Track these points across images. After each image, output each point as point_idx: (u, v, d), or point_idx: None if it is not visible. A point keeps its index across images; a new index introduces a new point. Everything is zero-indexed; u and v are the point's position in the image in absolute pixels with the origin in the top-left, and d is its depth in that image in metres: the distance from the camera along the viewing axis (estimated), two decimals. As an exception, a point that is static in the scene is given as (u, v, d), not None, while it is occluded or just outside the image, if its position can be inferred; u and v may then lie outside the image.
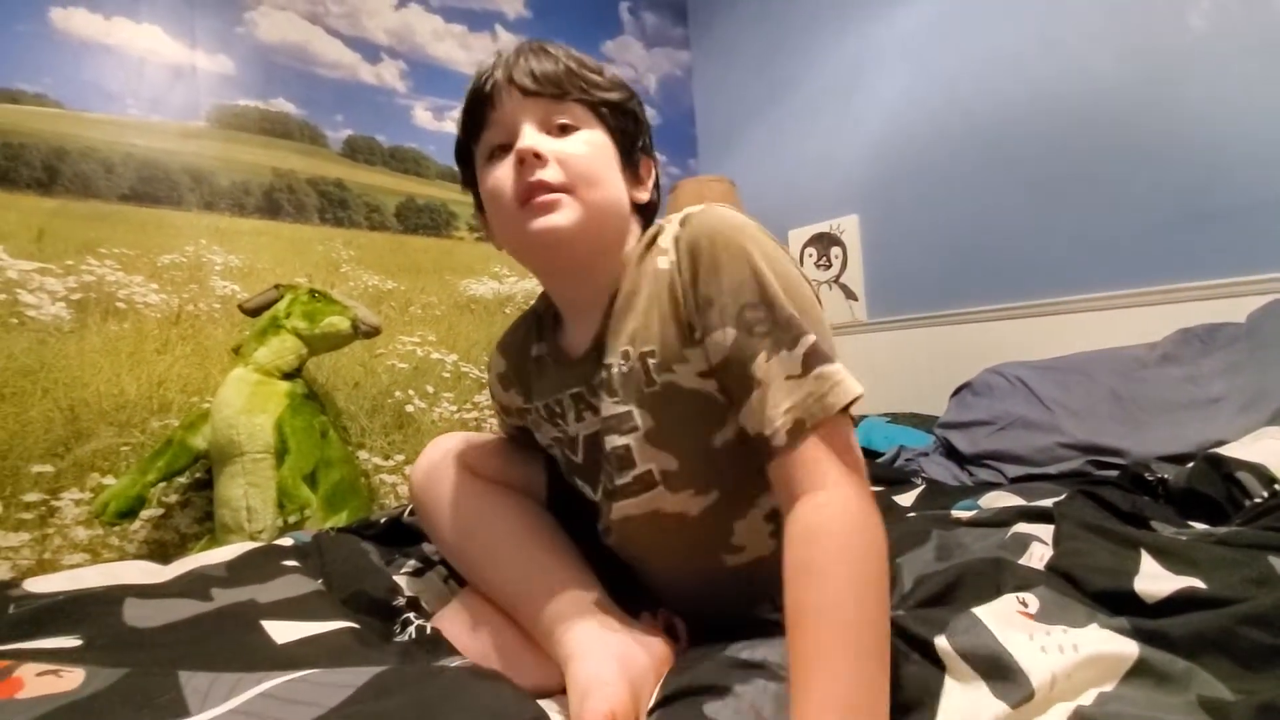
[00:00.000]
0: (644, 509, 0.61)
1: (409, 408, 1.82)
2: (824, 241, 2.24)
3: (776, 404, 0.50)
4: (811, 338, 0.51)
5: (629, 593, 0.66)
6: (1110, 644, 0.46)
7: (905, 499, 1.16)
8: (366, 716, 0.44)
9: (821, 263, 2.23)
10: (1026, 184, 1.77)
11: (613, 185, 0.61)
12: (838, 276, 2.20)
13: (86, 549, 1.34)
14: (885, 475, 1.34)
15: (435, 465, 0.73)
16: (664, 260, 0.58)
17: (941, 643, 0.47)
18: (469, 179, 0.67)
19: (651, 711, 0.49)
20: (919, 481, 1.30)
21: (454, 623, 0.67)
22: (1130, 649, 0.45)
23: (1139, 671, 0.44)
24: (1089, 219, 1.66)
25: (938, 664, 0.47)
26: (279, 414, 1.34)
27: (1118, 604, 0.55)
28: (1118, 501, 0.81)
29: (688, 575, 0.66)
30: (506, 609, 0.64)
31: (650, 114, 0.68)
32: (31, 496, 1.29)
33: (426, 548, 0.91)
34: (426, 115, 1.97)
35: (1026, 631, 0.48)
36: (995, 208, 1.83)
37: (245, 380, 1.36)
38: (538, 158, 0.57)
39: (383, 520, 1.01)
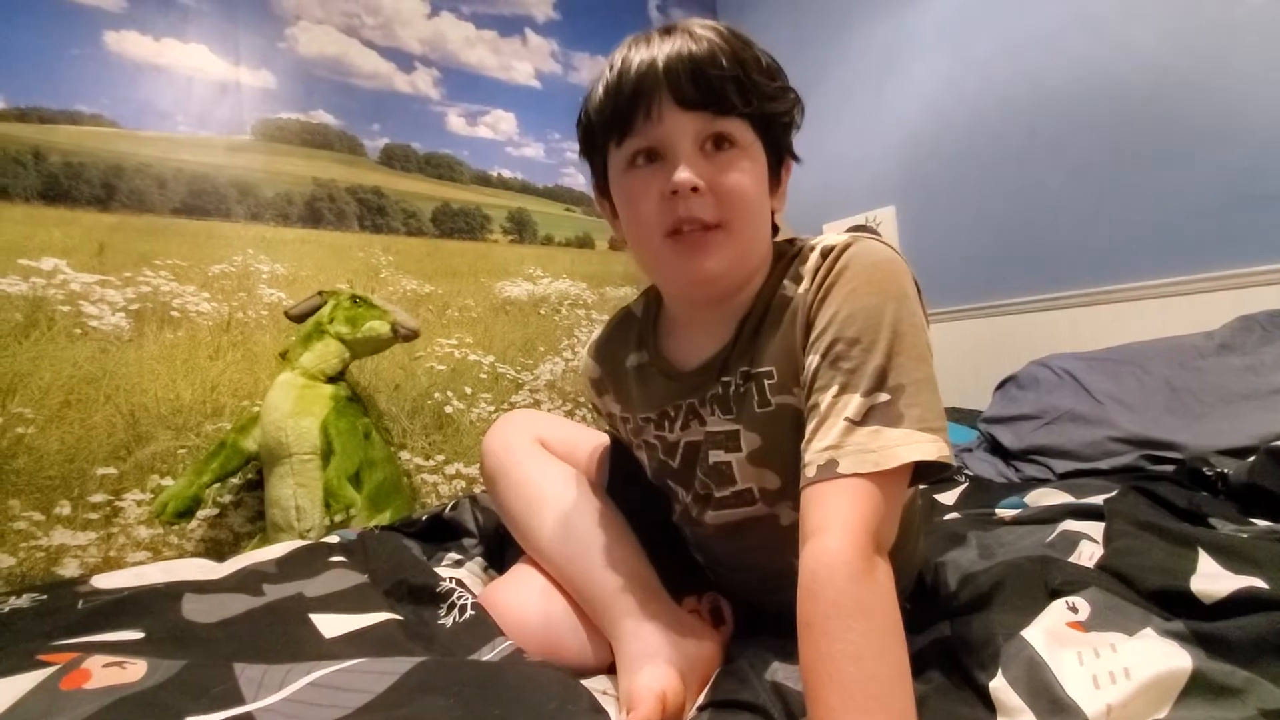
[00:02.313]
0: (738, 519, 0.63)
1: (448, 409, 1.86)
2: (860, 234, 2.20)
3: (822, 438, 0.49)
4: (885, 397, 0.49)
5: (678, 574, 0.68)
6: (1164, 661, 0.44)
7: (948, 497, 1.13)
8: (411, 712, 0.45)
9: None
10: (1071, 169, 1.71)
11: (763, 213, 0.58)
12: (875, 270, 2.15)
13: (148, 547, 1.40)
14: (927, 473, 1.30)
15: (510, 434, 0.76)
16: (798, 289, 0.57)
17: (996, 686, 0.46)
18: (594, 161, 0.62)
19: (703, 709, 0.50)
20: (962, 479, 1.26)
21: (506, 593, 0.69)
22: (1184, 662, 0.43)
23: (1194, 688, 0.42)
24: (1139, 203, 1.60)
25: (986, 701, 0.46)
26: (324, 416, 1.38)
27: (1173, 604, 0.52)
28: (1174, 497, 0.78)
29: (754, 569, 0.67)
30: (561, 581, 0.66)
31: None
32: (97, 497, 1.36)
33: (467, 543, 0.93)
34: (460, 121, 2.01)
35: (1077, 651, 0.47)
36: (1039, 194, 1.77)
37: (292, 384, 1.41)
38: (694, 191, 0.53)
39: (424, 518, 1.03)
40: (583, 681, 0.54)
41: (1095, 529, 0.75)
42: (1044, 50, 1.74)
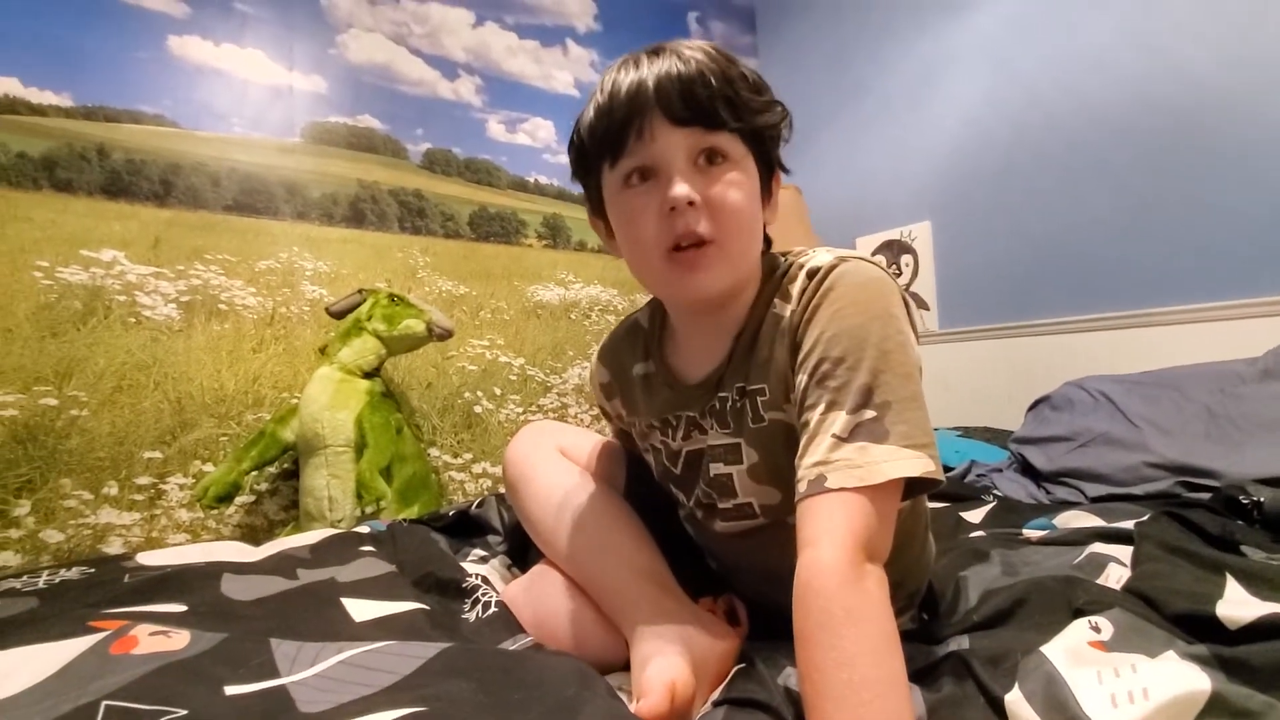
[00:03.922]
0: (741, 529, 0.65)
1: (477, 408, 1.89)
2: (894, 249, 2.19)
3: (812, 454, 0.51)
4: (871, 414, 0.50)
5: (694, 576, 0.69)
6: (1184, 682, 0.43)
7: (974, 516, 1.12)
8: (436, 693, 0.47)
9: (891, 270, 2.18)
10: (1114, 188, 1.68)
11: (757, 226, 0.59)
12: (908, 285, 2.14)
13: (188, 530, 1.46)
14: (954, 491, 1.29)
15: (531, 443, 0.79)
16: (787, 309, 0.58)
17: (1012, 699, 0.46)
18: (588, 182, 0.63)
19: (719, 704, 0.51)
20: (990, 498, 1.25)
21: (526, 592, 0.71)
22: (1204, 685, 0.43)
23: (1212, 710, 0.42)
24: (1184, 225, 1.56)
25: (1001, 714, 0.46)
26: (359, 410, 1.42)
27: (1199, 629, 0.52)
28: (1206, 524, 0.76)
29: (761, 570, 0.68)
30: (579, 581, 0.67)
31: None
32: (143, 480, 1.42)
33: (492, 539, 0.95)
34: (500, 128, 2.06)
35: (1096, 670, 0.46)
36: (1080, 213, 1.74)
37: (330, 378, 1.45)
38: (691, 205, 0.54)
39: (451, 513, 1.05)
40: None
41: (1124, 552, 0.74)
42: (1089, 67, 1.71)
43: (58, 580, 0.75)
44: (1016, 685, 0.47)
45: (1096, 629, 0.52)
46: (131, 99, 1.51)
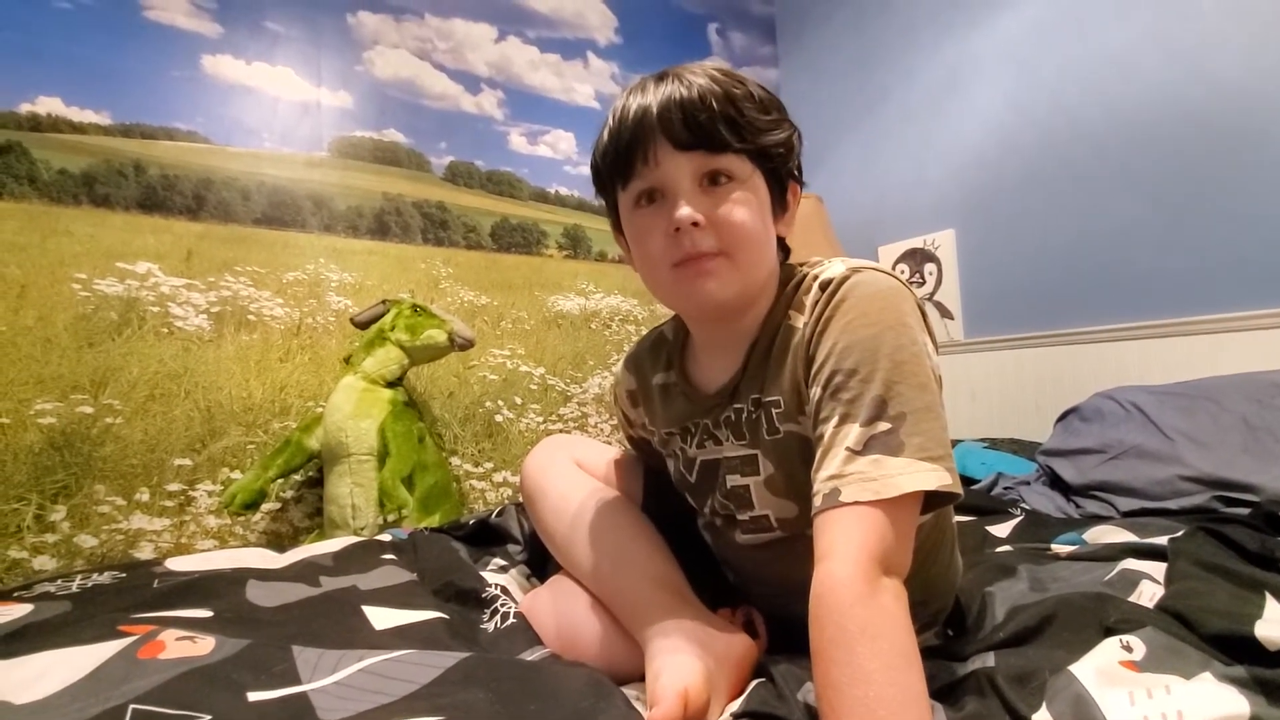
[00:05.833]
0: (758, 541, 0.65)
1: (498, 418, 1.91)
2: (917, 257, 2.16)
3: (827, 468, 0.51)
4: (886, 426, 0.50)
5: (712, 589, 0.69)
6: (1221, 705, 0.42)
7: (1001, 530, 1.09)
8: (453, 702, 0.47)
9: (914, 279, 2.16)
10: (1144, 194, 1.64)
11: (767, 240, 0.60)
12: (932, 293, 2.11)
13: (215, 536, 1.49)
14: (980, 504, 1.27)
15: (548, 456, 0.80)
16: (801, 320, 0.59)
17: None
18: (608, 201, 0.65)
19: (739, 717, 0.50)
20: (1018, 512, 1.22)
21: (544, 603, 0.71)
22: (1241, 708, 0.41)
23: (1250, 734, 0.41)
24: (1217, 231, 1.52)
25: None
26: (382, 419, 1.44)
27: (1236, 650, 0.50)
28: (1245, 540, 0.74)
29: (776, 580, 0.68)
30: (596, 592, 0.67)
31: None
32: (173, 486, 1.45)
33: (511, 549, 0.95)
34: (521, 140, 2.08)
35: (1128, 691, 0.45)
36: (1109, 220, 1.71)
37: (354, 387, 1.48)
38: (695, 225, 0.55)
39: (471, 522, 1.06)
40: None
41: (1158, 569, 0.72)
42: (1115, 72, 1.69)
43: (90, 584, 0.77)
44: (1044, 705, 0.46)
45: (1128, 648, 0.51)
46: (167, 116, 1.56)
